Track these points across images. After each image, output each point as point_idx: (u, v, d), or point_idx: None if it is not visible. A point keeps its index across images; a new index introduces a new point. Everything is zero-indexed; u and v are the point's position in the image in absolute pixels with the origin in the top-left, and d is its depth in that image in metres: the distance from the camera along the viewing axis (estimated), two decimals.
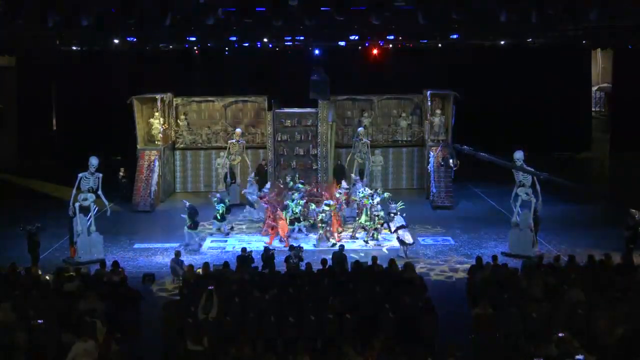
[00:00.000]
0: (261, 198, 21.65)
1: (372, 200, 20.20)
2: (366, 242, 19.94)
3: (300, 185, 21.92)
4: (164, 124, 25.88)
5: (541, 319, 12.49)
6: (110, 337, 11.76)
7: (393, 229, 19.52)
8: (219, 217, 20.94)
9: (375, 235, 20.06)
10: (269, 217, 20.67)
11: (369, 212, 20.08)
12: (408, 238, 19.08)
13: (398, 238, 19.06)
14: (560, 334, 10.96)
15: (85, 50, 26.26)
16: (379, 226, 20.07)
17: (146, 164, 25.04)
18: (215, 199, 21.12)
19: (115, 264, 15.71)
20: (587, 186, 21.42)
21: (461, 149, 19.81)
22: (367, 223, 20.05)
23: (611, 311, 12.21)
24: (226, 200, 21.33)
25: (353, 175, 24.52)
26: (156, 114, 25.75)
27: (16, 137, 31.34)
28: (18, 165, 30.53)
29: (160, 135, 25.64)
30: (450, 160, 22.68)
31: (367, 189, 21.32)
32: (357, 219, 20.56)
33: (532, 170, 18.47)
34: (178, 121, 26.91)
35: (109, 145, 28.51)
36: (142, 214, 23.76)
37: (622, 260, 15.72)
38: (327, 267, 15.29)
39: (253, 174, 24.20)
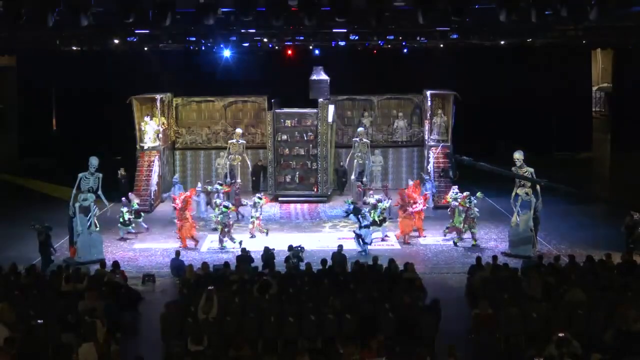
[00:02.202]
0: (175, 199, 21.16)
1: (470, 202, 19.96)
2: (455, 244, 19.83)
3: (218, 187, 21.82)
4: (163, 124, 25.88)
5: (541, 319, 12.50)
6: (110, 337, 11.76)
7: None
8: (125, 222, 20.78)
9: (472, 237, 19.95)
10: (178, 217, 20.33)
11: (463, 214, 19.95)
12: (368, 238, 19.22)
13: (360, 236, 19.15)
14: (560, 334, 10.95)
15: (85, 50, 26.22)
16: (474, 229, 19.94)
17: (146, 164, 25.03)
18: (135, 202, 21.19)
19: (116, 264, 15.71)
20: (586, 192, 21.37)
21: (461, 159, 19.92)
22: (459, 224, 20.00)
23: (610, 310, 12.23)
24: (134, 203, 21.12)
25: (422, 173, 24.48)
26: (146, 118, 25.45)
27: (16, 137, 31.30)
28: (18, 165, 30.50)
29: (161, 135, 25.62)
30: (450, 172, 22.87)
31: (456, 189, 20.90)
32: (451, 220, 20.42)
33: (532, 177, 18.59)
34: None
35: (109, 145, 28.48)
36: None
37: (622, 260, 15.73)
38: (327, 267, 15.30)
39: (177, 176, 24.14)
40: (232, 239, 19.68)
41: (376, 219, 20.14)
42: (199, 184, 24.25)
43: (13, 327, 11.73)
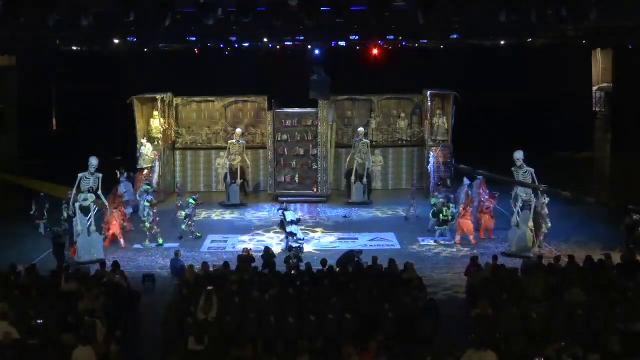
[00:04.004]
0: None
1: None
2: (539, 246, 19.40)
3: (147, 187, 21.68)
4: (164, 124, 25.88)
5: (541, 319, 12.50)
6: (110, 337, 11.76)
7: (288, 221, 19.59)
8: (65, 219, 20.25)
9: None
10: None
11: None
12: (300, 234, 19.19)
13: (290, 232, 19.16)
14: (562, 343, 10.92)
15: (85, 50, 26.23)
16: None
17: None
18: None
19: (116, 264, 15.71)
20: (586, 198, 21.36)
21: (460, 168, 20.00)
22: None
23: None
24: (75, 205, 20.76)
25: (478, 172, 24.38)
26: (142, 140, 25.20)
27: (16, 137, 31.29)
28: (18, 165, 30.49)
29: (161, 135, 25.60)
30: (449, 181, 23.01)
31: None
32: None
33: (530, 183, 18.59)
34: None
35: (109, 145, 28.46)
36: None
37: (622, 260, 15.73)
38: (327, 267, 15.30)
39: (125, 174, 23.74)
40: (153, 239, 19.80)
41: (448, 217, 20.21)
42: (143, 185, 23.91)
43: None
